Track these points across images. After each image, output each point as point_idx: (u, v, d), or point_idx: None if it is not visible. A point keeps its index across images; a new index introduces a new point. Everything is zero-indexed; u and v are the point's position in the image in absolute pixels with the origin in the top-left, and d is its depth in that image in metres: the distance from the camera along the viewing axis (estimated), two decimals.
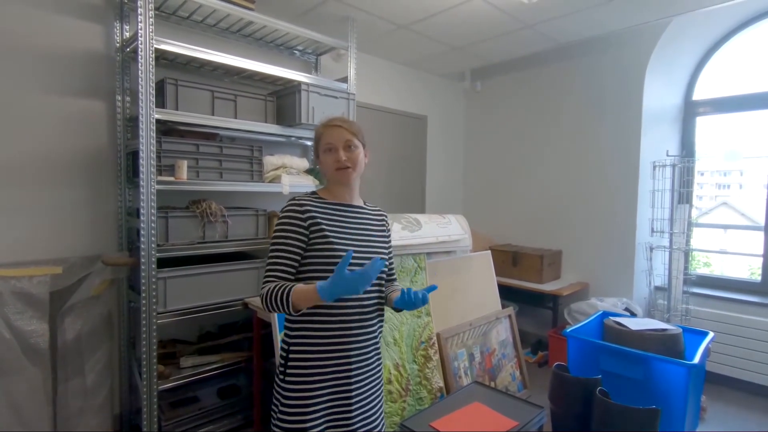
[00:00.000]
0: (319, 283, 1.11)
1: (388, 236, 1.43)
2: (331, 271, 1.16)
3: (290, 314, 1.21)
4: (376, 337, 1.33)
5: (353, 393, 1.26)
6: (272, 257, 1.23)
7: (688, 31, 3.15)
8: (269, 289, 1.17)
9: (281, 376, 1.25)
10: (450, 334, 2.49)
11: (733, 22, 3.14)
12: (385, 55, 3.58)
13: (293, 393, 1.21)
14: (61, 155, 2.18)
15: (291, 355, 1.24)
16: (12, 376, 1.92)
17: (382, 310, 1.35)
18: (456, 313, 2.62)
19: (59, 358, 2.08)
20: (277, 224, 1.25)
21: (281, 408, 1.23)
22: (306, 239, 1.23)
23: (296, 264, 1.23)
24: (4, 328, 1.91)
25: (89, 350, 2.15)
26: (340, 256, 1.21)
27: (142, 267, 1.98)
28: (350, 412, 1.25)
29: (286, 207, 1.26)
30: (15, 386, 1.93)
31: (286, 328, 1.28)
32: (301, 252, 1.23)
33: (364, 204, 1.40)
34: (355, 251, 1.25)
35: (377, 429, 1.33)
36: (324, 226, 1.24)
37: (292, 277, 1.24)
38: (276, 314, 1.91)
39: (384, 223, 1.42)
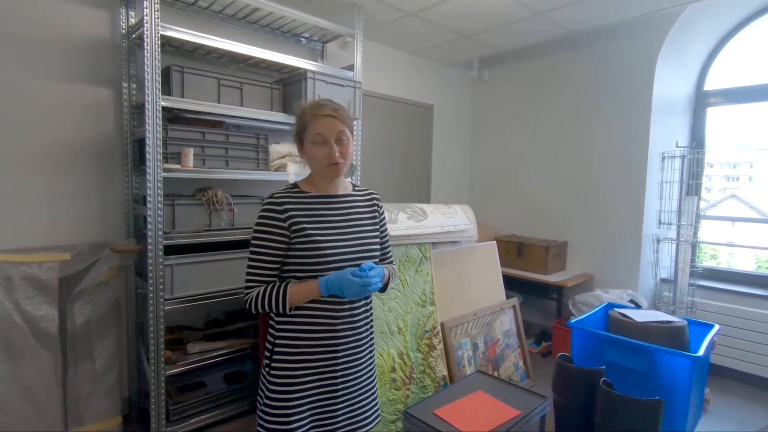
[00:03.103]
0: (321, 279, 1.16)
1: (382, 218, 1.37)
2: (316, 269, 1.18)
3: (284, 313, 1.19)
4: (365, 332, 1.29)
5: (339, 388, 1.23)
6: (253, 260, 1.19)
7: (701, 19, 3.08)
8: (259, 293, 1.17)
9: (266, 369, 1.23)
10: (454, 323, 2.50)
11: (747, 10, 3.07)
12: (391, 43, 3.53)
13: (278, 387, 1.20)
14: (68, 142, 2.19)
15: (276, 349, 1.21)
16: (23, 359, 1.96)
17: (370, 303, 1.32)
18: (460, 302, 2.63)
19: (69, 343, 2.12)
20: (256, 224, 1.19)
21: (265, 401, 1.21)
22: (287, 239, 1.18)
23: (278, 265, 1.20)
24: (15, 312, 1.94)
25: (98, 335, 2.19)
26: (324, 254, 1.18)
27: (149, 254, 2.00)
28: (335, 408, 1.23)
29: (264, 205, 1.20)
30: (26, 369, 1.96)
31: (271, 324, 1.25)
32: (283, 252, 1.19)
33: (353, 189, 1.34)
34: (343, 244, 1.22)
35: (365, 427, 1.29)
36: (305, 224, 1.18)
37: (275, 279, 1.21)
38: None
39: (375, 205, 1.36)
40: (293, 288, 1.16)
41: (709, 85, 3.36)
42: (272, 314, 1.25)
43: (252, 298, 1.18)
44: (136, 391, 2.46)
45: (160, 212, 2.01)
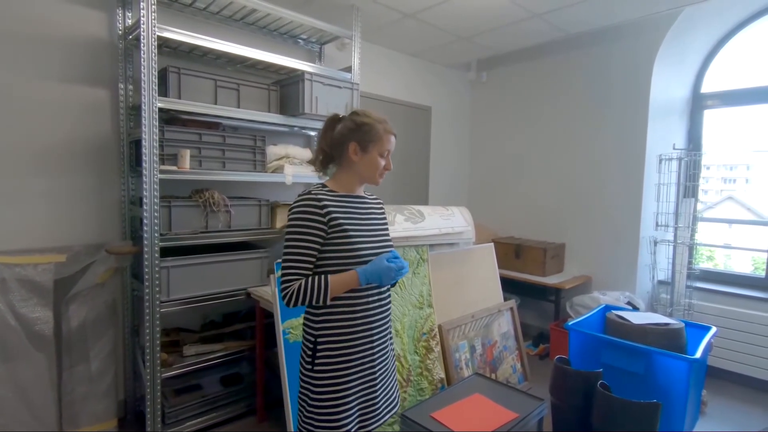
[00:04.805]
0: (359, 270, 1.22)
1: (387, 223, 1.47)
2: (350, 262, 1.24)
3: (324, 305, 1.23)
4: (390, 316, 1.38)
5: (378, 374, 1.30)
6: (294, 254, 1.22)
7: (698, 21, 3.09)
8: (301, 285, 1.20)
9: (308, 366, 1.26)
10: (452, 325, 2.50)
11: (744, 13, 3.08)
12: (389, 44, 3.53)
13: (325, 381, 1.23)
14: (64, 143, 2.18)
15: (319, 346, 1.25)
16: (18, 361, 1.94)
17: (389, 289, 1.40)
18: (458, 305, 2.63)
19: (64, 345, 2.10)
20: (295, 218, 1.23)
21: (313, 396, 1.24)
22: (325, 233, 1.23)
23: (315, 259, 1.24)
24: (10, 315, 1.93)
25: (94, 337, 2.17)
26: (357, 248, 1.25)
27: (145, 256, 1.99)
28: (377, 394, 1.30)
29: (302, 200, 1.24)
30: (21, 371, 1.95)
31: (309, 319, 1.29)
32: (320, 247, 1.23)
33: (365, 194, 1.43)
34: (371, 239, 1.30)
35: (396, 407, 1.38)
36: (342, 220, 1.25)
37: (311, 273, 1.24)
38: (279, 304, 1.92)
39: (383, 208, 1.47)
40: (333, 279, 1.21)
41: (706, 87, 3.36)
42: (310, 311, 1.29)
43: (293, 291, 1.20)
44: (131, 393, 2.44)
45: (156, 214, 2.00)
